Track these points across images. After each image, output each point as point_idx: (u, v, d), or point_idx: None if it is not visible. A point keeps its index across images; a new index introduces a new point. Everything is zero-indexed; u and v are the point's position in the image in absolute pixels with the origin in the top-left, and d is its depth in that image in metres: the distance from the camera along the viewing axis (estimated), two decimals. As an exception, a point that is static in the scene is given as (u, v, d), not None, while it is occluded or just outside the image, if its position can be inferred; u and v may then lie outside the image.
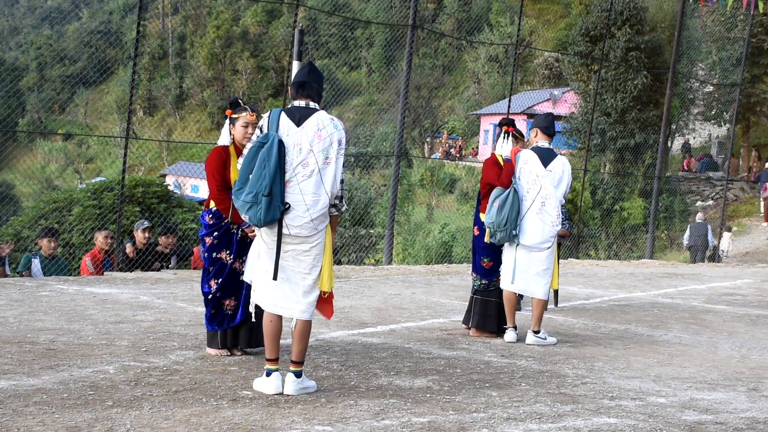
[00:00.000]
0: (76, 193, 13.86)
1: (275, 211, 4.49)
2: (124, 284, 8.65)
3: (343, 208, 4.76)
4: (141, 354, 5.45)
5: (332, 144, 4.62)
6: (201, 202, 13.60)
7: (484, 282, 6.90)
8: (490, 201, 6.65)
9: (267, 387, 4.67)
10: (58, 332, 6.00)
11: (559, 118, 27.19)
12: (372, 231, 18.95)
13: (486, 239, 6.74)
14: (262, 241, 4.67)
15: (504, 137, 6.90)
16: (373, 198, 22.41)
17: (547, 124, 6.77)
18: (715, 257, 18.98)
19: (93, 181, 19.66)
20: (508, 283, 6.69)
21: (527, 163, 6.67)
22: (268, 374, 4.68)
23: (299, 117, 4.65)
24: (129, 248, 9.80)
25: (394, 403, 4.58)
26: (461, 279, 10.83)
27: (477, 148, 42.30)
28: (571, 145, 25.99)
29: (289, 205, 4.55)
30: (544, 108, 36.46)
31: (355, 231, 18.38)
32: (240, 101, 5.58)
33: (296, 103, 4.74)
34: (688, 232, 19.06)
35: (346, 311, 7.69)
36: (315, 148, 4.59)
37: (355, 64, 59.52)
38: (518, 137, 6.95)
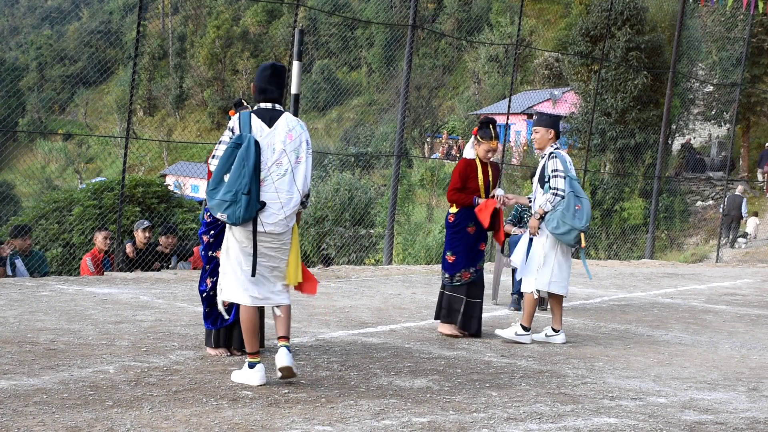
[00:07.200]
0: (76, 193, 13.88)
1: (252, 209, 4.68)
2: (124, 284, 8.65)
3: (308, 204, 4.99)
4: (141, 354, 5.45)
5: (302, 144, 4.86)
6: (201, 202, 13.59)
7: (447, 276, 6.84)
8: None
9: (252, 378, 4.78)
10: (58, 332, 6.00)
11: (559, 118, 27.14)
12: (372, 231, 18.94)
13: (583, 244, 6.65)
14: (234, 239, 4.81)
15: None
16: (373, 198, 22.38)
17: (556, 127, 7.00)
18: (746, 235, 21.22)
19: (93, 181, 19.67)
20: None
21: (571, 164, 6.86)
22: (251, 366, 4.80)
23: (269, 118, 4.86)
24: (129, 248, 9.81)
25: (394, 403, 4.58)
26: (461, 279, 10.80)
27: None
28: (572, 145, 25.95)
29: (265, 203, 4.72)
30: (544, 108, 36.44)
31: (355, 231, 18.38)
32: (243, 101, 5.72)
33: (262, 105, 4.93)
34: (726, 203, 20.55)
35: (346, 311, 7.69)
36: (287, 148, 4.81)
37: (355, 64, 59.49)
38: (480, 140, 6.70)
